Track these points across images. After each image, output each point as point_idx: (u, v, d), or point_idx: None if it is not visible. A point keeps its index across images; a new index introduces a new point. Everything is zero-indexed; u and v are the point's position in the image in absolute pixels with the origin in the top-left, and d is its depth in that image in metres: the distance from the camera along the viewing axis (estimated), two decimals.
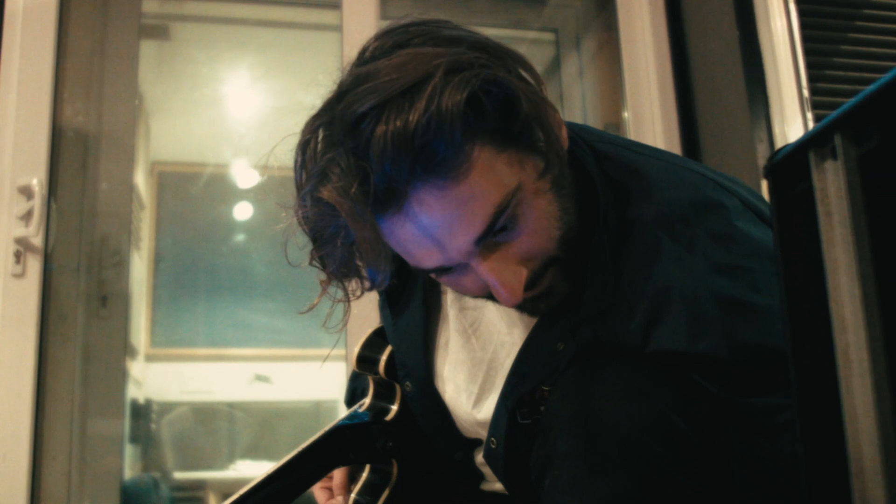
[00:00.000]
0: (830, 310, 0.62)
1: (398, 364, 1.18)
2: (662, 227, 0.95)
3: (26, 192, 2.06)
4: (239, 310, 3.60)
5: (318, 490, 1.23)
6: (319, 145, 0.88)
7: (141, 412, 3.15)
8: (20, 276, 2.06)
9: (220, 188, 3.41)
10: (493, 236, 0.88)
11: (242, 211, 3.43)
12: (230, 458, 3.24)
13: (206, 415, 3.33)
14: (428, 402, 1.15)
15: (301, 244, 0.95)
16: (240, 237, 3.53)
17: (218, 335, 3.63)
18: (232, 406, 3.40)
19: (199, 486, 3.05)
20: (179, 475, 3.08)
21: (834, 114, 0.61)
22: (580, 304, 0.96)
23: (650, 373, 0.91)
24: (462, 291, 0.99)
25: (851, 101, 0.60)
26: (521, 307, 0.97)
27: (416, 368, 1.15)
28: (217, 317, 3.64)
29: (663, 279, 0.93)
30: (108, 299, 2.36)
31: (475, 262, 0.90)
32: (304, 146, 0.89)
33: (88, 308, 2.32)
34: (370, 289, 0.98)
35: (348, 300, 0.99)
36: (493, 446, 1.04)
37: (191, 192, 3.44)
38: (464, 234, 0.86)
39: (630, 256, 0.95)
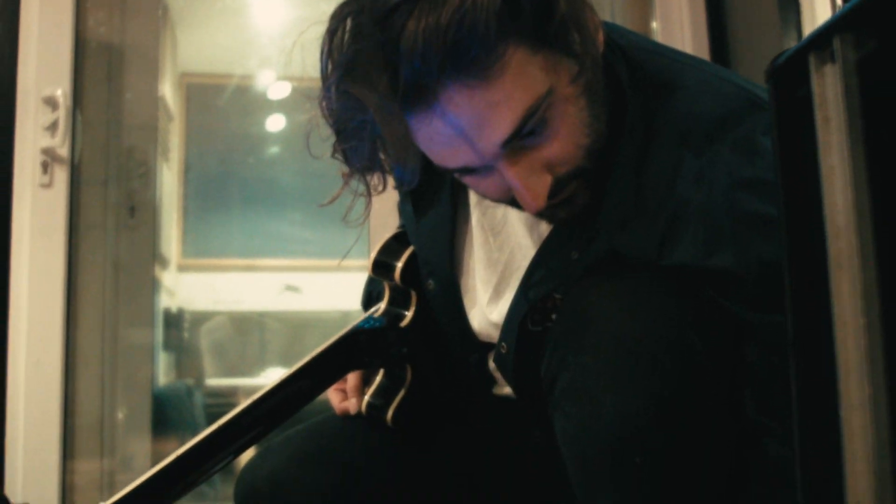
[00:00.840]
0: (825, 217, 0.62)
1: (421, 262, 1.18)
2: (686, 142, 0.93)
3: (51, 102, 2.08)
4: (270, 221, 3.62)
5: (332, 392, 1.25)
6: (347, 35, 0.86)
7: (173, 321, 3.20)
8: (48, 186, 2.09)
9: (251, 99, 3.40)
10: (520, 140, 0.87)
11: (275, 122, 3.43)
12: (261, 366, 3.31)
13: (238, 324, 3.39)
14: (449, 301, 1.15)
15: (325, 136, 0.94)
16: (272, 149, 3.53)
17: (249, 246, 3.66)
18: (262, 315, 3.45)
19: (231, 392, 3.12)
20: (212, 382, 3.15)
21: (834, 16, 0.60)
22: (598, 214, 0.96)
23: (667, 288, 0.91)
24: (484, 194, 0.98)
25: (851, 2, 0.58)
26: (541, 214, 0.96)
27: (441, 265, 1.15)
28: (248, 228, 3.66)
29: (684, 194, 0.92)
30: (136, 210, 2.39)
31: (501, 165, 0.88)
32: (332, 34, 0.87)
33: (117, 218, 2.35)
34: (397, 187, 0.97)
35: (370, 195, 0.99)
36: (504, 352, 1.05)
37: (220, 104, 3.44)
38: (491, 135, 0.85)
39: (652, 170, 0.94)
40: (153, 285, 2.54)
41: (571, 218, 0.96)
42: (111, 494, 2.24)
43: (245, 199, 3.56)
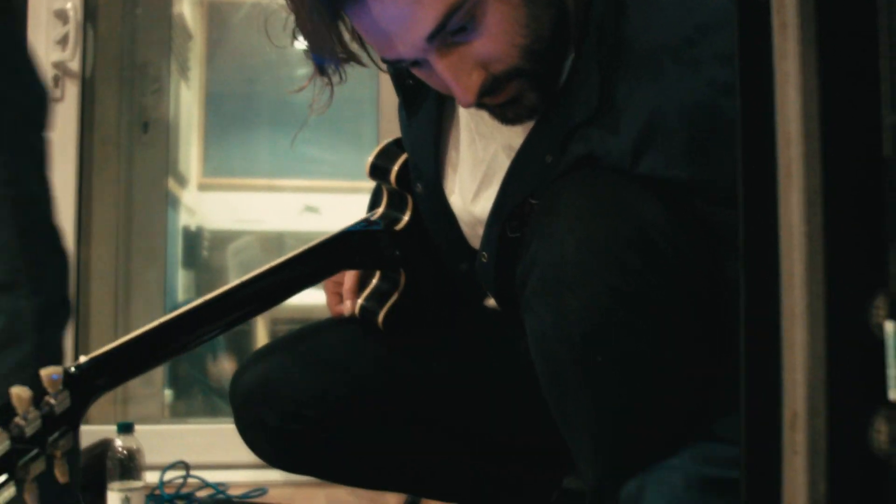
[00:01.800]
0: (776, 124, 0.61)
1: (411, 166, 1.19)
2: (665, 48, 0.92)
3: (62, 16, 2.08)
4: (290, 142, 3.61)
5: (329, 294, 1.27)
6: None
7: (193, 239, 3.23)
8: (59, 100, 2.10)
9: (273, 19, 3.37)
10: (450, 36, 0.89)
11: (300, 42, 3.40)
12: None
13: (259, 243, 3.41)
14: (435, 204, 1.16)
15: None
16: (298, 70, 3.51)
17: (269, 166, 3.65)
18: (282, 235, 3.46)
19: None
20: None
21: None
22: (567, 117, 0.95)
23: (637, 189, 0.91)
24: (435, 87, 1.01)
25: None
26: (493, 113, 0.99)
27: (426, 166, 1.15)
28: (269, 148, 3.66)
29: (663, 99, 0.91)
30: (150, 126, 2.40)
31: (432, 59, 0.91)
32: None
33: (130, 134, 2.37)
34: (322, 75, 1.00)
35: (331, 83, 1.02)
36: (484, 261, 1.06)
37: (239, 23, 3.41)
38: (416, 30, 0.87)
39: (628, 75, 0.93)
40: (167, 201, 2.57)
41: (519, 119, 0.98)
42: (125, 411, 2.28)
43: (267, 119, 3.56)
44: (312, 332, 1.30)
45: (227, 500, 1.94)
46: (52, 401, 0.90)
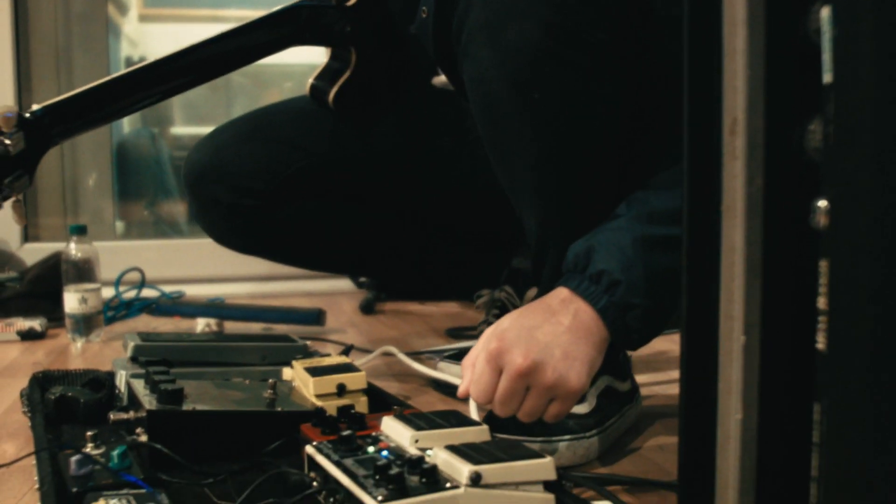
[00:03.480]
0: None
1: None
2: None
3: None
4: None
5: None
6: None
7: None
8: None
9: None
10: None
11: None
12: (228, 116, 3.30)
13: None
14: None
15: None
16: None
17: None
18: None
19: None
20: (177, 130, 3.15)
21: None
22: None
23: None
24: None
25: None
26: None
27: None
28: None
29: None
30: None
31: None
32: None
33: None
34: None
35: None
36: (424, 16, 1.05)
37: None
38: None
39: None
40: (107, 30, 2.52)
41: None
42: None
43: None
44: (263, 113, 1.30)
45: (189, 303, 1.95)
46: (7, 141, 0.90)
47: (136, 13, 3.37)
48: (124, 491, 0.74)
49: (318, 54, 3.82)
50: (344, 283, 2.35)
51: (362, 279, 2.26)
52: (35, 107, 0.94)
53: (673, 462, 0.97)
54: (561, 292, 0.91)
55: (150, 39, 3.45)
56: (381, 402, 1.02)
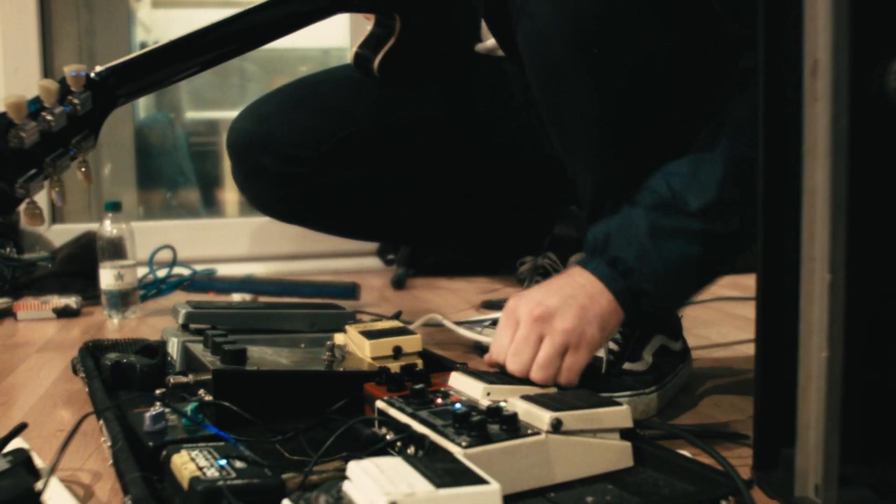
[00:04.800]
0: None
1: None
2: None
3: None
4: None
5: None
6: None
7: None
8: None
9: None
10: None
11: None
12: (242, 103, 3.30)
13: None
14: None
15: None
16: None
17: None
18: (243, 58, 3.40)
19: (212, 130, 3.14)
20: (192, 115, 3.15)
21: None
22: None
23: None
24: None
25: None
26: None
27: None
28: None
29: None
30: None
31: None
32: None
33: None
34: None
35: None
36: None
37: None
38: None
39: None
40: (128, 18, 2.54)
41: None
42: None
43: None
44: (308, 81, 1.30)
45: (220, 279, 1.95)
46: (76, 100, 0.90)
47: None
48: (203, 444, 0.74)
49: (332, 38, 3.78)
50: (371, 261, 2.36)
51: (391, 256, 2.26)
52: (99, 68, 0.95)
53: (732, 418, 0.98)
54: (579, 272, 0.91)
55: (163, 25, 3.45)
56: (436, 365, 1.03)
